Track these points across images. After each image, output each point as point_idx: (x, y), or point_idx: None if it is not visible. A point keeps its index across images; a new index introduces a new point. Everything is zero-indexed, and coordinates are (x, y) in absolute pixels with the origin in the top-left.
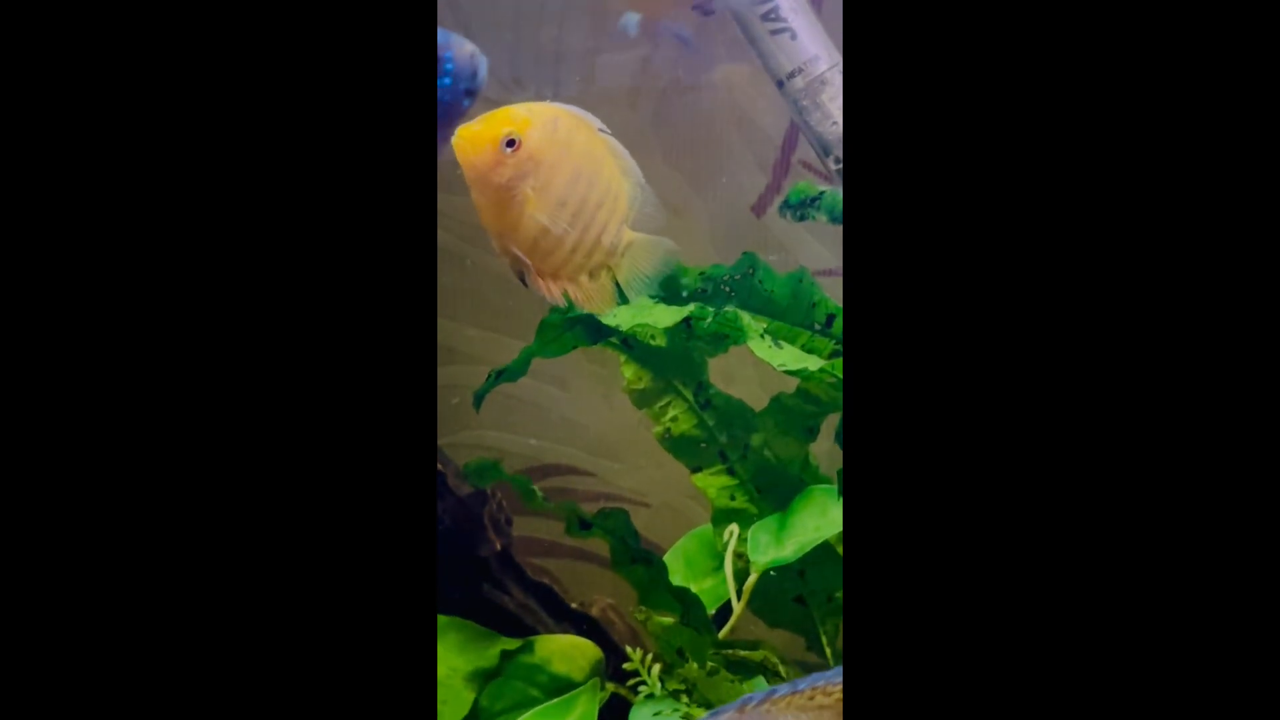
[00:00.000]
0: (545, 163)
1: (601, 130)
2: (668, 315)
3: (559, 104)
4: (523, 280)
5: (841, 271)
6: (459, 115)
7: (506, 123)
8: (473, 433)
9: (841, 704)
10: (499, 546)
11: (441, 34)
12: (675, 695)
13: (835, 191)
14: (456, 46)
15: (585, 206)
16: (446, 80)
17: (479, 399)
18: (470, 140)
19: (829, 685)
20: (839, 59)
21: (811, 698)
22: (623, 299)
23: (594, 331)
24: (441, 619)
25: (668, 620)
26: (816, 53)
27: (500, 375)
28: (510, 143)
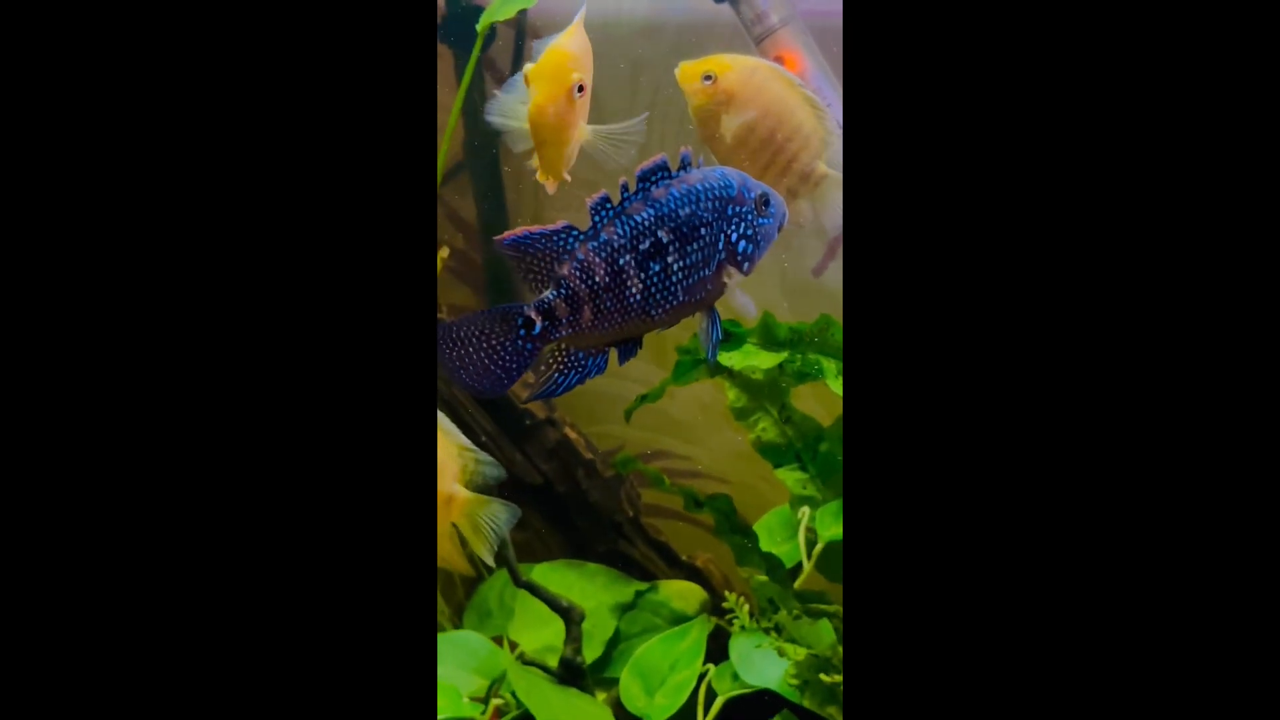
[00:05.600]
0: (738, 98)
1: (801, 85)
2: (768, 359)
3: (764, 60)
4: None
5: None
6: None
7: (711, 64)
8: (607, 426)
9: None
10: (631, 514)
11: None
12: (766, 632)
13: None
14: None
15: (773, 138)
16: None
17: (628, 414)
18: (683, 71)
19: None
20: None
21: None
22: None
23: (714, 368)
24: (590, 566)
25: (762, 578)
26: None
27: (644, 398)
28: (708, 77)
